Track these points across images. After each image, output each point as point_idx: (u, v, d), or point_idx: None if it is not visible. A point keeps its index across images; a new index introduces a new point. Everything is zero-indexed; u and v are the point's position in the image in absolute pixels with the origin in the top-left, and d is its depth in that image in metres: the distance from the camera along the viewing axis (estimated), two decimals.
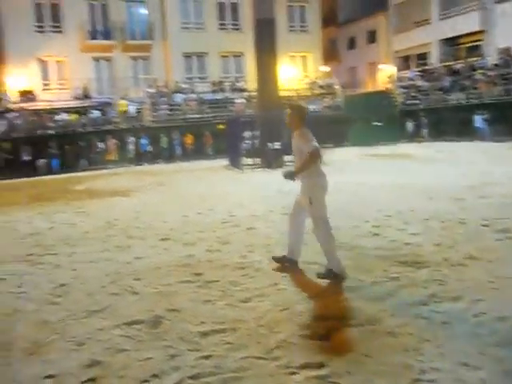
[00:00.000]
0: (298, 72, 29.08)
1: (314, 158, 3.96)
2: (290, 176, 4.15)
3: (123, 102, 22.78)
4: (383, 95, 25.57)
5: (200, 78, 27.38)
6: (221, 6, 27.49)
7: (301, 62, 29.76)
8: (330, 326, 3.22)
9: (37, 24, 24.11)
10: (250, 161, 15.77)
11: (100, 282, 4.60)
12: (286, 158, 15.83)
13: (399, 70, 29.83)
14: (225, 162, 17.67)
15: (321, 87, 27.84)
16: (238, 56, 27.92)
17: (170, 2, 26.07)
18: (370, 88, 30.67)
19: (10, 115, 21.47)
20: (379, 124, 22.97)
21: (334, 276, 4.07)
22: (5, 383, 2.86)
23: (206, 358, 2.92)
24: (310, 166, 4.00)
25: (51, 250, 6.13)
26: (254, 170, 15.15)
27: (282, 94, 18.75)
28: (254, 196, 9.53)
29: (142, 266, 5.04)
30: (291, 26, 29.10)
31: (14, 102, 22.62)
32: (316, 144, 3.99)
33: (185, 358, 2.95)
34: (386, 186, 9.49)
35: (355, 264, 4.56)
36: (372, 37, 32.91)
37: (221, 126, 21.31)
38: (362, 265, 4.56)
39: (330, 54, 32.95)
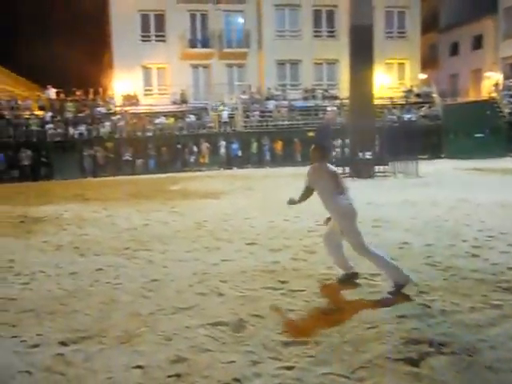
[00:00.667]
0: (393, 79, 28.10)
1: (306, 193, 4.46)
2: (292, 202, 4.66)
3: (221, 107, 23.51)
4: (487, 105, 23.75)
5: (292, 85, 27.56)
6: (316, 14, 27.48)
7: (397, 69, 28.71)
8: (421, 351, 3.01)
9: (142, 34, 25.96)
10: (339, 169, 15.45)
11: (188, 281, 4.77)
12: (378, 168, 15.37)
13: (506, 77, 27.55)
14: None
15: (417, 95, 26.64)
16: (331, 63, 27.68)
17: (266, 11, 26.62)
18: (472, 97, 28.66)
19: (114, 117, 23.30)
20: (482, 136, 21.37)
21: (403, 286, 4.02)
22: (97, 368, 3.05)
23: (288, 368, 2.88)
24: (303, 198, 4.50)
25: (145, 246, 6.50)
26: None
27: (375, 102, 18.22)
28: None
29: (228, 269, 5.14)
30: (389, 31, 28.22)
31: (119, 106, 24.53)
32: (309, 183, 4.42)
33: (266, 366, 2.94)
34: (488, 203, 8.74)
35: (450, 286, 4.24)
36: (478, 42, 30.75)
37: (311, 134, 21.23)
38: (458, 288, 4.22)
39: (429, 61, 31.39)
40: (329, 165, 4.45)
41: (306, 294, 4.19)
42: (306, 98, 26.01)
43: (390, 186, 12.59)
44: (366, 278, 4.54)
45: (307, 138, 21.63)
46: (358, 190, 11.79)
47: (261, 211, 9.10)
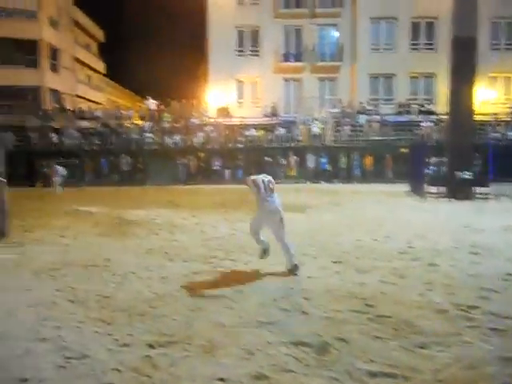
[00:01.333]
0: (498, 94, 26.10)
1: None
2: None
3: (318, 123, 23.34)
4: None
5: (385, 99, 26.76)
6: (415, 26, 26.50)
7: (503, 83, 26.62)
8: None
9: (238, 48, 26.85)
10: (433, 189, 14.62)
11: (272, 295, 4.73)
12: (478, 189, 14.28)
13: None
14: (405, 187, 16.77)
15: None
16: (428, 77, 26.48)
17: (361, 24, 26.23)
18: None
19: (207, 129, 24.27)
20: None
21: (294, 270, 5.50)
22: (181, 375, 3.10)
23: None
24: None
25: (231, 256, 6.60)
26: (437, 199, 13.99)
27: (476, 118, 17.02)
28: (436, 228, 8.75)
29: (313, 286, 5.02)
30: (495, 43, 26.31)
31: (212, 117, 25.53)
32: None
33: None
34: None
35: None
36: None
37: (403, 150, 20.36)
38: None
39: None
40: (262, 176, 5.93)
41: (394, 321, 3.94)
42: (399, 113, 25.08)
43: (491, 210, 11.59)
44: (462, 310, 4.17)
45: (400, 154, 20.81)
46: (454, 212, 11.13)
47: (348, 228, 8.85)
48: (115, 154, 22.70)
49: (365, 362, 3.20)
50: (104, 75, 40.81)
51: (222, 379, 3.03)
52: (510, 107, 24.91)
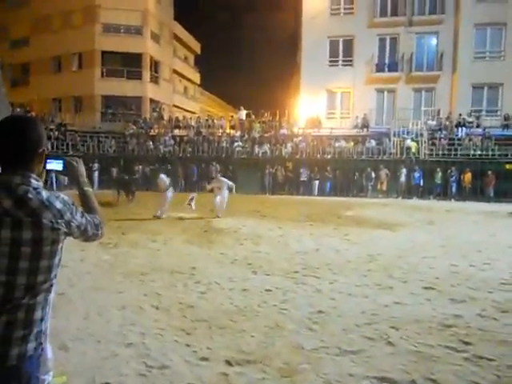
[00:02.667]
0: None
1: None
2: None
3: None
4: None
5: (489, 110, 24.78)
6: None
7: None
8: None
9: (330, 59, 26.56)
10: None
11: (355, 320, 4.48)
12: None
13: None
14: (509, 208, 15.32)
15: None
16: None
17: (464, 31, 24.60)
18: None
19: (296, 139, 24.23)
20: None
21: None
22: None
23: None
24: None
25: (315, 273, 6.41)
26: None
27: None
28: None
29: (401, 314, 4.67)
30: None
31: (301, 128, 25.46)
32: None
33: None
34: None
35: None
36: None
37: (509, 166, 18.65)
38: None
39: None
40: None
41: (496, 364, 3.50)
42: (505, 126, 23.03)
43: None
44: None
45: (504, 170, 19.10)
46: None
47: (442, 251, 8.21)
48: (206, 161, 23.51)
49: None
50: (199, 85, 42.71)
51: None
52: None
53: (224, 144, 24.63)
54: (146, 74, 30.88)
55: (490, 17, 24.15)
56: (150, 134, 26.44)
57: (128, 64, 30.35)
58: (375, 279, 6.09)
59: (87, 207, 1.95)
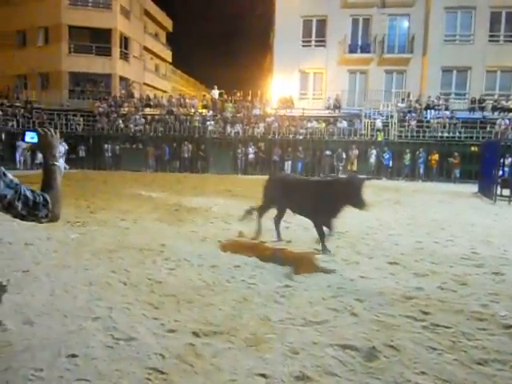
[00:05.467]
0: None
1: None
2: None
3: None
4: None
5: (457, 94, 25.32)
6: (494, 16, 24.75)
7: None
8: None
9: (303, 39, 26.45)
10: (505, 192, 13.63)
11: (322, 293, 4.59)
12: None
13: None
14: (473, 188, 15.83)
15: None
16: (507, 71, 24.68)
17: (435, 14, 24.89)
18: None
19: (269, 119, 24.20)
20: None
21: None
22: (223, 367, 3.08)
23: None
24: None
25: (287, 248, 6.50)
26: (510, 203, 13.05)
27: None
28: (505, 234, 8.13)
29: (365, 287, 4.82)
30: None
31: (274, 108, 25.42)
32: None
33: None
34: None
35: None
36: None
37: (474, 149, 19.20)
38: None
39: None
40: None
41: (452, 332, 3.67)
42: (472, 109, 23.62)
43: None
44: None
45: (470, 152, 19.66)
46: None
47: (408, 228, 8.45)
48: (178, 141, 23.25)
49: (415, 373, 3.00)
50: (170, 64, 41.90)
51: (263, 375, 2.97)
52: None
53: (196, 124, 24.38)
54: (116, 51, 30.06)
55: (460, 0, 24.47)
56: (120, 112, 25.89)
57: (97, 40, 29.46)
58: (343, 255, 6.24)
59: (45, 183, 1.83)
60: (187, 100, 27.02)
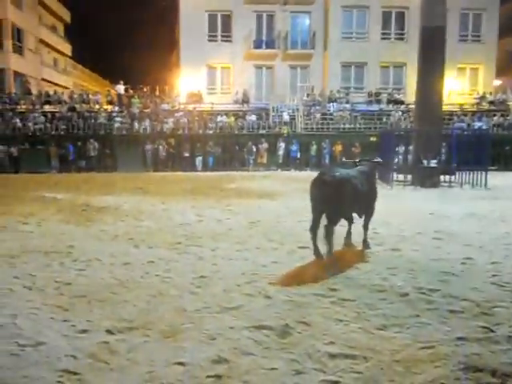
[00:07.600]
0: (465, 85, 26.72)
1: None
2: None
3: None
4: None
5: (356, 88, 26.95)
6: (386, 15, 26.70)
7: (470, 74, 27.21)
8: (481, 381, 2.73)
9: (209, 34, 26.42)
10: (401, 177, 14.86)
11: (236, 281, 4.70)
12: (443, 177, 14.61)
13: None
14: None
15: (491, 103, 25.12)
16: (398, 67, 26.78)
17: (333, 12, 26.21)
18: None
19: (178, 114, 23.88)
20: None
21: None
22: (140, 360, 3.05)
23: (333, 383, 2.72)
24: None
25: (197, 242, 6.53)
26: (404, 187, 14.25)
27: (444, 108, 17.36)
28: (401, 215, 8.90)
29: (278, 271, 5.02)
30: (463, 35, 26.77)
31: (183, 103, 25.13)
32: None
33: (310, 377, 2.79)
34: None
35: None
36: None
37: (373, 138, 20.63)
38: None
39: (506, 67, 29.47)
40: None
41: (356, 304, 3.98)
42: (369, 102, 25.33)
43: (455, 197, 11.89)
44: (423, 293, 4.25)
45: (369, 142, 21.05)
46: (420, 200, 11.35)
47: None
48: (82, 139, 22.08)
49: (325, 343, 3.22)
50: (71, 58, 39.54)
51: (181, 363, 3.00)
52: (475, 98, 25.49)
53: (101, 120, 23.30)
54: (8, 43, 27.70)
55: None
56: (17, 110, 23.93)
57: None
58: (255, 243, 6.42)
59: None
60: (90, 96, 25.69)
